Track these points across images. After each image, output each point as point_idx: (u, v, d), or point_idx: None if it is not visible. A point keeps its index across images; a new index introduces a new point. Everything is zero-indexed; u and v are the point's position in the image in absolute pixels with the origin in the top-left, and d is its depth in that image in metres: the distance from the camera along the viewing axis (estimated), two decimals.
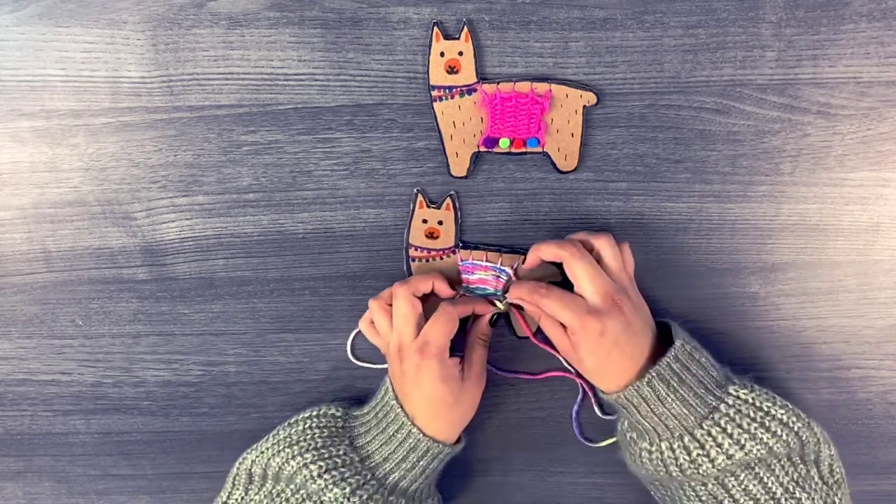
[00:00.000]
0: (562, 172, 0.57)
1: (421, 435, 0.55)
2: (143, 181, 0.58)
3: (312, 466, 0.54)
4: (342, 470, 0.54)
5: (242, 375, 0.64)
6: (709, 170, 0.57)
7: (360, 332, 0.61)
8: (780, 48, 0.54)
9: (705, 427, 0.53)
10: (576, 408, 0.64)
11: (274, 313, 0.62)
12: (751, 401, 0.53)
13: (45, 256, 0.60)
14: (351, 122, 0.56)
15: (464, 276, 0.59)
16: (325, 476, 0.54)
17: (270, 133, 0.57)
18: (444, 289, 0.57)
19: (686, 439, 0.53)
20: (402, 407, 0.55)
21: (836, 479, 0.55)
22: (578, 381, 0.62)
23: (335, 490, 0.53)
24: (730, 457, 0.52)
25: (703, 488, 0.53)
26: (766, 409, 0.53)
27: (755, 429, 0.52)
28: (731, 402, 0.53)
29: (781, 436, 0.52)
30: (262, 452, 0.57)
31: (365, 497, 0.53)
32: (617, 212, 0.59)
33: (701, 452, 0.52)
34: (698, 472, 0.53)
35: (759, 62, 0.54)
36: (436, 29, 0.53)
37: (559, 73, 0.55)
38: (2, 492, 0.68)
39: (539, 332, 0.59)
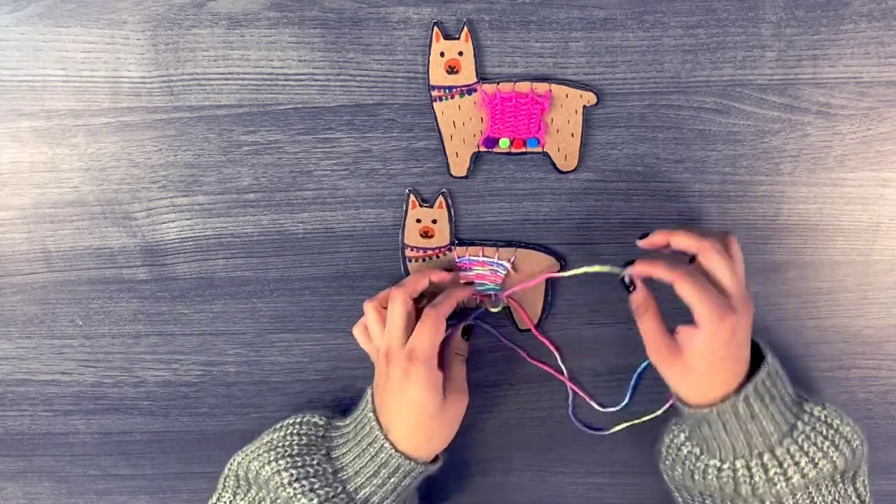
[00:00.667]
0: (562, 172, 0.57)
1: (393, 450, 0.53)
2: (143, 181, 0.58)
3: (284, 474, 0.53)
4: (312, 480, 0.53)
5: (242, 375, 0.64)
6: (709, 170, 0.57)
7: None
8: (780, 48, 0.54)
9: (785, 445, 0.51)
10: (570, 410, 0.64)
11: (274, 313, 0.62)
12: (824, 418, 0.53)
13: (45, 256, 0.60)
14: (351, 122, 0.56)
15: (461, 273, 0.59)
16: (295, 485, 0.53)
17: (270, 133, 0.57)
18: (442, 277, 0.56)
19: (766, 457, 0.51)
20: (377, 420, 0.54)
21: (867, 496, 0.55)
22: (568, 383, 0.62)
23: (303, 500, 0.52)
24: (804, 475, 0.51)
25: None
26: (835, 426, 0.52)
27: (827, 447, 0.51)
28: (807, 419, 0.52)
29: (845, 453, 0.52)
30: (247, 455, 0.57)
31: None
32: (617, 212, 0.59)
33: (779, 471, 0.51)
34: (770, 492, 0.51)
35: (759, 62, 0.54)
36: (436, 29, 0.53)
37: (559, 73, 0.55)
38: (2, 492, 0.68)
39: (540, 325, 0.59)
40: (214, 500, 0.57)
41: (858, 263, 0.60)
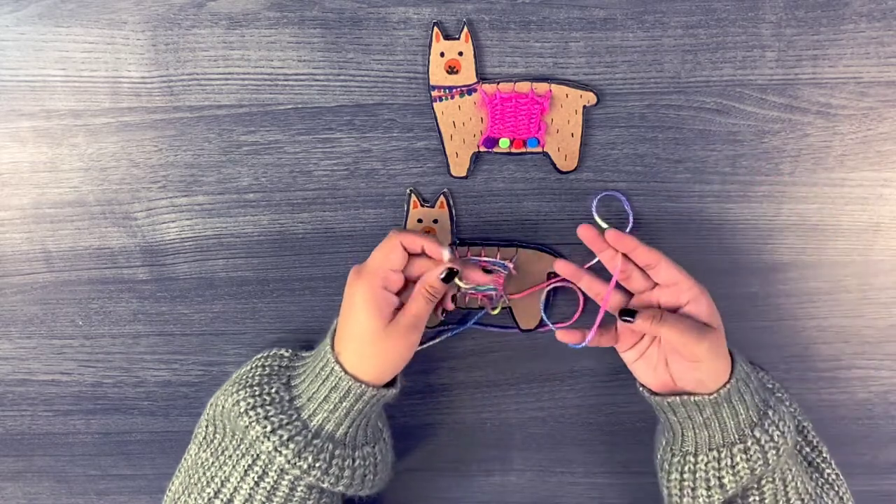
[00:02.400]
0: (562, 172, 0.57)
1: (342, 373, 0.51)
2: (143, 181, 0.58)
3: (242, 403, 0.53)
4: (268, 408, 0.52)
5: None
6: (709, 170, 0.57)
7: None
8: (780, 48, 0.54)
9: (770, 415, 0.54)
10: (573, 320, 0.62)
11: (274, 313, 0.62)
12: (786, 410, 0.57)
13: (45, 256, 0.60)
14: (351, 122, 0.56)
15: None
16: (251, 413, 0.52)
17: (270, 133, 0.57)
18: (433, 249, 0.53)
19: (756, 431, 0.54)
20: (332, 345, 0.53)
21: (816, 440, 0.59)
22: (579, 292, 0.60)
23: (257, 427, 0.51)
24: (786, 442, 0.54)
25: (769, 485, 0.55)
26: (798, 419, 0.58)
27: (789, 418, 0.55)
28: (773, 409, 0.55)
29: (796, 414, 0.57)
30: (217, 395, 0.56)
31: (286, 437, 0.51)
32: (617, 212, 0.59)
33: (770, 438, 0.54)
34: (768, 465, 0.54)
35: (759, 62, 0.54)
36: (436, 29, 0.53)
37: (559, 73, 0.55)
38: (2, 492, 0.68)
39: (541, 325, 0.59)
40: (185, 456, 0.57)
41: (858, 263, 0.60)
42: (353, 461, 0.54)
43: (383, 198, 0.58)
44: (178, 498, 0.55)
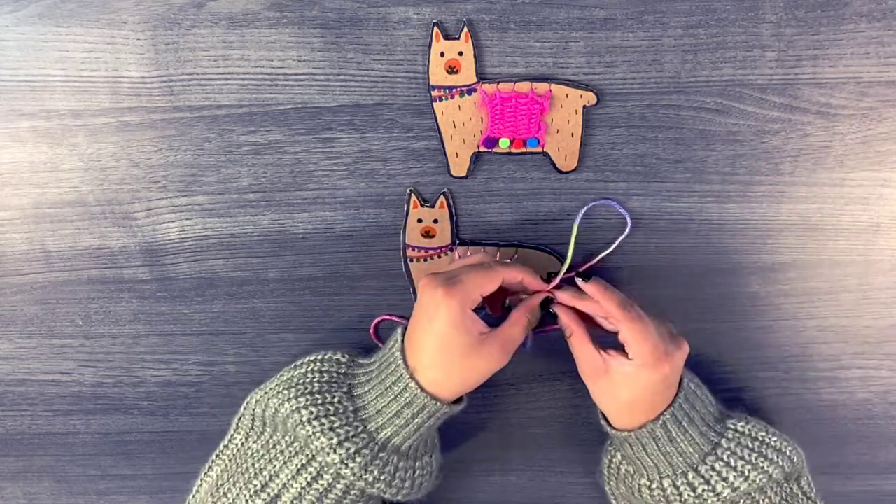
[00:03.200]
0: (562, 172, 0.57)
1: (418, 390, 0.50)
2: (143, 181, 0.58)
3: (304, 412, 0.51)
4: (332, 419, 0.51)
5: (242, 375, 0.64)
6: (709, 170, 0.57)
7: (382, 320, 0.61)
8: (780, 48, 0.54)
9: (709, 462, 0.54)
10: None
11: (274, 313, 0.62)
12: (748, 432, 0.55)
13: (45, 256, 0.60)
14: (351, 122, 0.56)
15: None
16: (315, 423, 0.51)
17: (270, 133, 0.57)
18: (534, 283, 0.54)
19: (690, 476, 0.54)
20: (404, 358, 0.51)
21: (814, 493, 0.57)
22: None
23: (322, 439, 0.50)
24: (735, 489, 0.53)
25: None
26: (761, 438, 0.55)
27: (756, 458, 0.54)
28: (731, 435, 0.55)
29: (778, 462, 0.54)
30: (266, 393, 0.55)
31: (353, 450, 0.50)
32: (617, 212, 0.59)
33: (706, 488, 0.53)
34: None
35: (759, 62, 0.54)
36: (436, 29, 0.53)
37: (559, 73, 0.55)
38: (2, 492, 0.68)
39: (541, 324, 0.59)
40: (226, 443, 0.56)
41: (858, 263, 0.60)
42: (414, 472, 0.54)
43: (383, 198, 0.58)
44: (221, 485, 0.54)
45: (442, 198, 0.58)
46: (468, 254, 0.59)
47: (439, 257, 0.59)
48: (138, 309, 0.62)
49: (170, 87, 0.55)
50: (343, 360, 0.56)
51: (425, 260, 0.59)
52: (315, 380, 0.54)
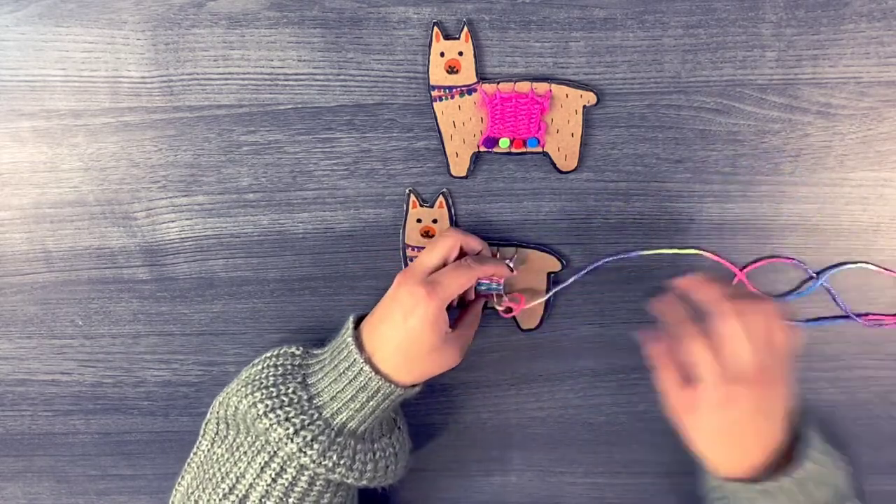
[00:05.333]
0: (562, 172, 0.57)
1: (373, 374, 0.51)
2: (143, 181, 0.58)
3: (260, 405, 0.52)
4: (287, 409, 0.52)
5: None
6: (709, 170, 0.57)
7: None
8: (780, 48, 0.54)
9: None
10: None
11: (274, 313, 0.62)
12: None
13: (45, 256, 0.60)
14: (351, 122, 0.56)
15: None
16: (271, 415, 0.51)
17: (270, 133, 0.57)
18: (504, 274, 0.57)
19: None
20: (356, 343, 0.52)
21: None
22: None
23: (279, 430, 0.51)
24: None
25: None
26: None
27: None
28: None
29: None
30: (227, 394, 0.56)
31: (309, 438, 0.51)
32: (617, 212, 0.59)
33: None
34: None
35: (759, 62, 0.54)
36: (436, 29, 0.53)
37: (559, 73, 0.55)
38: (2, 492, 0.68)
39: (542, 324, 0.59)
40: (194, 450, 0.56)
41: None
42: (374, 454, 0.54)
43: (383, 198, 0.58)
44: (192, 493, 0.54)
45: (441, 198, 0.58)
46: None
47: None
48: (138, 309, 0.62)
49: (170, 87, 0.55)
50: (297, 353, 0.56)
51: None
52: (270, 374, 0.54)
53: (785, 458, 0.48)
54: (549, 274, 0.60)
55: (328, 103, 0.56)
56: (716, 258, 0.59)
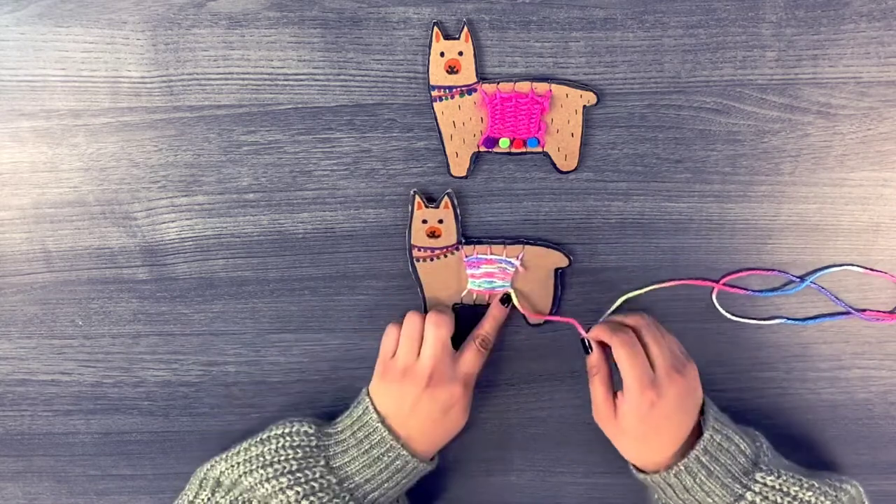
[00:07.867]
0: (562, 172, 0.57)
1: (410, 457, 0.55)
2: (143, 181, 0.58)
3: (290, 492, 0.53)
4: (320, 495, 0.53)
5: (242, 375, 0.64)
6: (709, 170, 0.57)
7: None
8: (780, 48, 0.54)
9: None
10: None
11: (274, 313, 0.62)
12: (777, 486, 0.53)
13: (45, 256, 0.60)
14: (351, 122, 0.56)
15: (469, 271, 0.59)
16: (304, 502, 0.53)
17: (270, 133, 0.57)
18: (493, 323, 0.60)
19: None
20: (389, 430, 0.55)
21: None
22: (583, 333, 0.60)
23: None
24: None
25: None
26: (793, 493, 0.53)
27: None
28: (757, 489, 0.53)
29: None
30: (233, 466, 0.55)
31: None
32: (617, 212, 0.59)
33: None
34: None
35: (759, 62, 0.54)
36: (436, 29, 0.53)
37: (559, 73, 0.55)
38: (2, 492, 0.68)
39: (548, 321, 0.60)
40: (191, 497, 0.55)
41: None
42: None
43: (383, 198, 0.58)
44: None
45: (446, 198, 0.58)
46: (475, 253, 0.59)
47: (445, 257, 0.59)
48: (138, 309, 0.62)
49: (170, 87, 0.55)
50: (311, 431, 0.57)
51: (431, 259, 0.59)
52: (290, 457, 0.55)
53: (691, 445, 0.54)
54: (556, 270, 0.59)
55: (328, 103, 0.56)
56: (771, 272, 0.60)
